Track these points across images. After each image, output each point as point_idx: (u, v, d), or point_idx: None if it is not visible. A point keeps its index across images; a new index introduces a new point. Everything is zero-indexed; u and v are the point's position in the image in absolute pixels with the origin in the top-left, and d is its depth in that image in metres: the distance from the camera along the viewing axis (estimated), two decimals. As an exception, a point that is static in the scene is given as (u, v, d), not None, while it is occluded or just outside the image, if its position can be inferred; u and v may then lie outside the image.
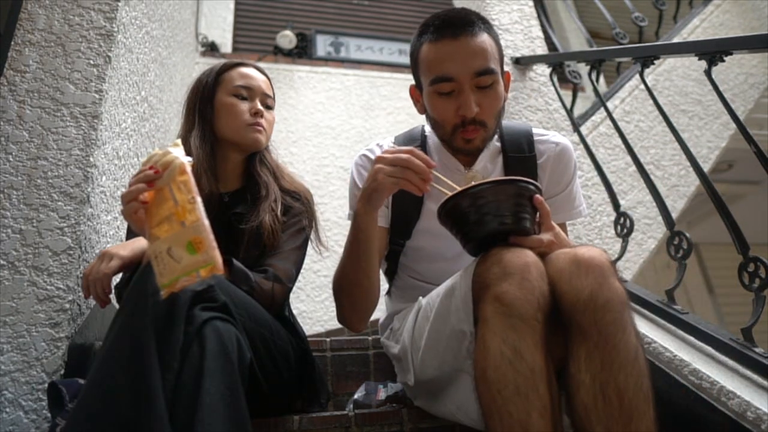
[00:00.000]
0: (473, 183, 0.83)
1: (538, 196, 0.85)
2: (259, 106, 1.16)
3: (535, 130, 1.16)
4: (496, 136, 1.14)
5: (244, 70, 1.20)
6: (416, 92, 1.11)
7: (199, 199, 0.75)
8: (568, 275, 0.79)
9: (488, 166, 1.12)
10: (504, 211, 0.83)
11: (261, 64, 1.28)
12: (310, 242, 1.19)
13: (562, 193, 1.12)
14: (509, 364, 0.72)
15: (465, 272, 0.86)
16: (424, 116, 1.11)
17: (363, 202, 0.93)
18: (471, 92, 0.98)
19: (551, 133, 1.16)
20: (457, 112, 1.00)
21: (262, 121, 1.16)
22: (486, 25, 1.02)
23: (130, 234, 1.12)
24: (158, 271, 0.72)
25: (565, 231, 1.13)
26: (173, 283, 0.71)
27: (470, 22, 1.00)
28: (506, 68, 1.93)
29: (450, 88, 0.99)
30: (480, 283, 0.80)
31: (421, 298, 1.01)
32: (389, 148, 1.06)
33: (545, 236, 0.86)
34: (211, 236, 0.72)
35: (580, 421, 0.73)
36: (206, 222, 0.73)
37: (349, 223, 1.17)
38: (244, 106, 1.16)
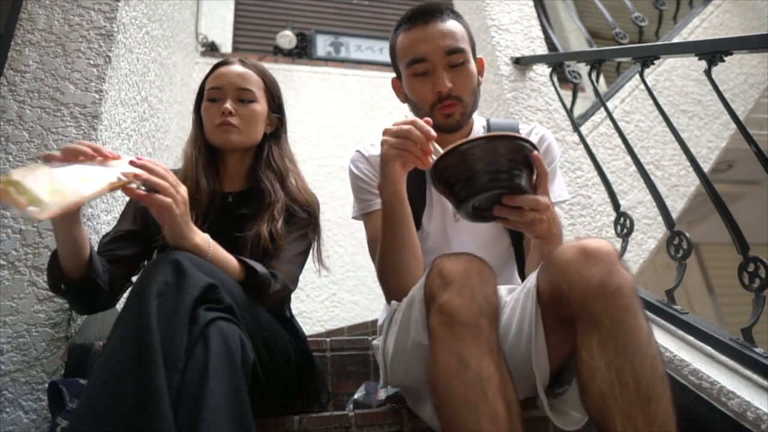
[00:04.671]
0: (464, 140, 0.78)
1: (536, 153, 0.80)
2: (227, 105, 1.13)
3: (521, 125, 1.20)
4: (483, 131, 1.16)
5: (218, 70, 1.18)
6: (397, 83, 1.17)
7: (102, 193, 0.78)
8: (576, 265, 0.78)
9: None
10: (496, 167, 0.78)
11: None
12: (311, 254, 1.19)
13: None
14: (455, 375, 0.71)
15: (420, 283, 0.86)
16: (407, 106, 1.15)
17: (381, 180, 0.95)
18: (443, 70, 1.05)
19: (537, 126, 1.20)
20: (432, 90, 1.05)
21: (232, 119, 1.13)
22: (456, 14, 1.11)
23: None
24: (17, 171, 0.72)
25: None
26: (6, 185, 0.69)
27: (440, 10, 1.09)
28: (506, 68, 1.97)
29: (424, 68, 1.06)
30: (428, 295, 0.81)
31: (395, 302, 1.01)
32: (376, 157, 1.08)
33: (541, 198, 0.82)
34: (71, 206, 0.73)
35: (598, 410, 0.72)
36: (85, 196, 0.74)
37: (350, 223, 1.17)
38: (215, 108, 1.14)
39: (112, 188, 0.79)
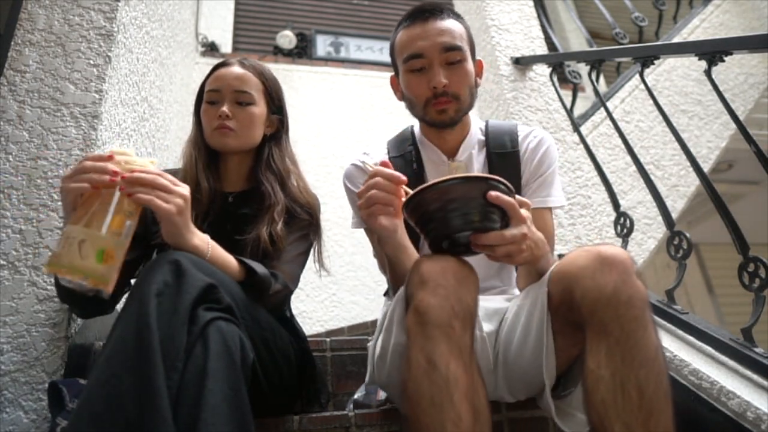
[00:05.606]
0: (438, 179, 0.78)
1: (491, 192, 0.78)
2: (224, 108, 1.13)
3: (520, 127, 1.19)
4: (481, 132, 1.16)
5: (217, 72, 1.18)
6: (395, 81, 1.18)
7: (135, 224, 0.79)
8: (591, 271, 0.78)
9: (473, 154, 1.14)
10: (467, 209, 0.78)
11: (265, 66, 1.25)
12: (312, 255, 1.18)
13: (537, 179, 1.13)
14: (424, 374, 0.71)
15: (404, 286, 0.86)
16: (404, 104, 1.15)
17: (379, 240, 0.93)
18: (440, 67, 1.05)
19: (536, 129, 1.19)
20: (428, 86, 1.06)
21: (229, 122, 1.12)
22: (456, 14, 1.12)
23: None
24: (61, 251, 0.74)
25: (547, 219, 1.11)
26: (65, 269, 0.73)
27: (440, 9, 1.10)
28: (506, 68, 1.98)
29: (421, 64, 1.07)
30: (407, 295, 0.81)
31: (387, 301, 1.01)
32: (375, 163, 1.04)
33: (512, 231, 0.80)
34: (122, 260, 0.75)
35: (598, 418, 0.72)
36: (127, 245, 0.77)
37: (350, 224, 1.17)
38: (213, 111, 1.14)
39: (138, 219, 0.80)
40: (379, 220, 0.86)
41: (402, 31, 1.11)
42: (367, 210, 0.85)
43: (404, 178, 0.85)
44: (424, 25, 1.07)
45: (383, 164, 0.87)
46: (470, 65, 1.09)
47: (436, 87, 1.04)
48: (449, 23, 1.08)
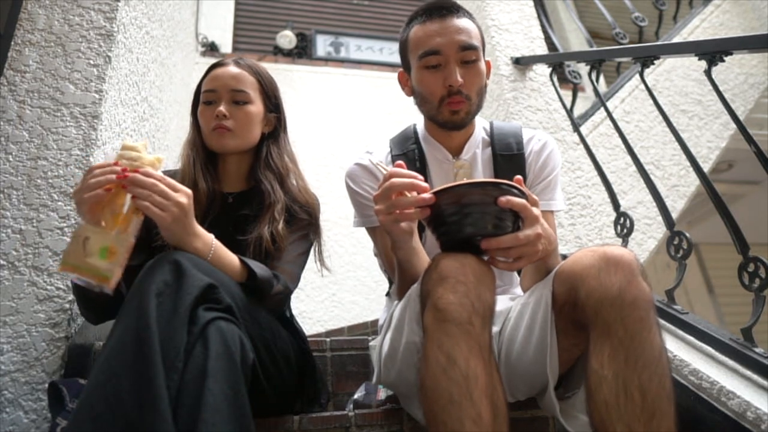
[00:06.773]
0: (454, 183, 0.79)
1: (502, 198, 0.77)
2: (221, 108, 1.13)
3: (524, 130, 1.19)
4: (486, 133, 1.17)
5: (212, 72, 1.18)
6: (404, 76, 1.17)
7: (141, 221, 0.82)
8: (596, 271, 0.78)
9: (477, 153, 1.14)
10: (484, 213, 0.78)
11: (261, 64, 1.25)
12: (313, 255, 1.18)
13: (541, 182, 1.14)
14: (443, 372, 0.70)
15: (417, 281, 0.85)
16: (413, 99, 1.15)
17: (393, 244, 0.92)
18: (456, 65, 1.05)
19: (539, 132, 1.19)
20: (443, 84, 1.06)
21: (227, 122, 1.12)
22: (470, 14, 1.12)
23: None
24: (69, 249, 0.77)
25: (549, 221, 1.11)
26: (74, 268, 0.76)
27: (456, 7, 1.10)
28: (506, 68, 1.98)
29: (437, 61, 1.06)
30: (424, 291, 0.80)
31: (396, 300, 1.00)
32: (380, 161, 1.03)
33: (526, 232, 0.79)
34: (126, 257, 0.78)
35: (600, 419, 0.72)
36: (132, 242, 0.80)
37: (350, 223, 1.17)
38: (210, 111, 1.14)
39: (139, 217, 0.82)
40: (400, 225, 0.85)
41: (417, 26, 1.10)
42: (387, 215, 0.83)
43: (425, 184, 0.82)
44: (441, 22, 1.07)
45: (398, 166, 0.85)
46: (483, 65, 1.09)
47: (452, 85, 1.04)
48: (465, 22, 1.08)
